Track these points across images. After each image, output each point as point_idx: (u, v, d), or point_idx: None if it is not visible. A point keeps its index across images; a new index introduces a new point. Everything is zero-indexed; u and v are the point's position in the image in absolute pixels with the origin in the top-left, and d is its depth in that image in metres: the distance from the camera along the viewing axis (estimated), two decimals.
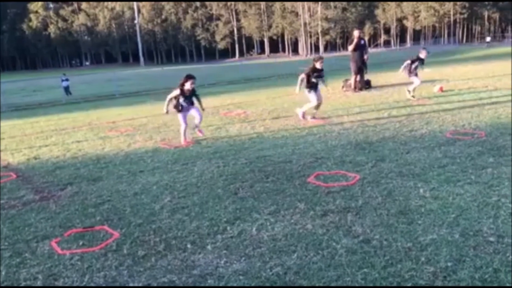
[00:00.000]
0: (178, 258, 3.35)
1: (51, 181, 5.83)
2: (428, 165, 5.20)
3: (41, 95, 26.57)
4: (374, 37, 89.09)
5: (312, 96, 8.78)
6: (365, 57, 13.53)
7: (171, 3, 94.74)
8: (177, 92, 7.52)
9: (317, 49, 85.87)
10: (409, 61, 10.50)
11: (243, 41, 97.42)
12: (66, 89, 24.68)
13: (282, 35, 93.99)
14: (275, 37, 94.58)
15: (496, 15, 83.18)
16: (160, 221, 4.10)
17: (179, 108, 7.60)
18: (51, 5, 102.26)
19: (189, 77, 7.45)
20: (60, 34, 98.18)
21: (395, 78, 14.41)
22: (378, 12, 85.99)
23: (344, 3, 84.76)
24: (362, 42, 13.59)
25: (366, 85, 13.76)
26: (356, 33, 13.61)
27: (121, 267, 3.29)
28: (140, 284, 3.03)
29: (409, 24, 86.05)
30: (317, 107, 8.93)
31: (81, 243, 3.76)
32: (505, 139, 6.13)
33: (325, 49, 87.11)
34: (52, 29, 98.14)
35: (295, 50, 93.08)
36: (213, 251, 3.42)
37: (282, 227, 3.74)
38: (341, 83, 14.24)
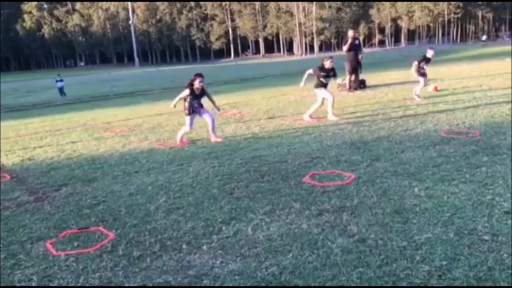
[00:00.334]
0: (174, 258, 3.34)
1: (46, 182, 5.80)
2: (423, 164, 5.21)
3: (35, 96, 26.47)
4: (368, 37, 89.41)
5: (319, 94, 8.81)
6: (360, 57, 13.61)
7: (166, 4, 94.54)
8: (186, 92, 7.34)
9: (312, 49, 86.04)
10: (416, 62, 10.51)
11: (238, 41, 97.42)
12: (61, 90, 24.56)
13: (277, 35, 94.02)
14: (270, 37, 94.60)
15: (490, 15, 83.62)
16: (156, 222, 4.09)
17: (190, 110, 7.40)
18: (45, 5, 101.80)
19: (197, 75, 7.30)
20: (54, 35, 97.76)
21: (389, 78, 14.44)
22: (373, 12, 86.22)
23: (339, 3, 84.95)
24: (357, 42, 13.68)
25: (361, 84, 13.83)
26: (350, 33, 13.69)
27: (116, 268, 3.28)
28: (136, 285, 3.02)
29: (403, 24, 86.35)
30: (332, 104, 8.80)
31: (76, 244, 3.75)
32: (499, 138, 6.15)
33: (320, 49, 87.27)
34: (46, 29, 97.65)
35: (290, 50, 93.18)
36: (208, 251, 3.41)
37: (278, 227, 3.75)
38: (336, 83, 14.26)
